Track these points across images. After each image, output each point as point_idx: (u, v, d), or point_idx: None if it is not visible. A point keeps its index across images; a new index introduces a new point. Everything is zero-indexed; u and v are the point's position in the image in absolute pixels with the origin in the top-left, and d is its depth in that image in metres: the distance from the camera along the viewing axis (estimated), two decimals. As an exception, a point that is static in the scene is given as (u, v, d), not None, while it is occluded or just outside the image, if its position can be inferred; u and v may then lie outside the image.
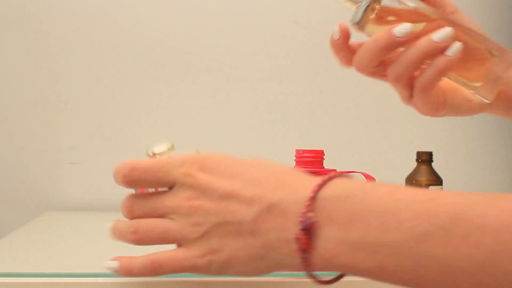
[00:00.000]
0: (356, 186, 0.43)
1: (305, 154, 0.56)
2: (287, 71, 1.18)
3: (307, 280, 0.55)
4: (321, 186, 0.43)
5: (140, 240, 0.49)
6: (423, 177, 0.96)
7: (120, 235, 0.51)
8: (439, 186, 0.96)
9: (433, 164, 0.97)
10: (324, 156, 0.57)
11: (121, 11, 1.15)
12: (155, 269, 0.48)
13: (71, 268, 0.61)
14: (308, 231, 0.42)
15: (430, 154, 0.96)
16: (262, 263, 0.46)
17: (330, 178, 0.44)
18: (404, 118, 1.17)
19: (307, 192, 0.43)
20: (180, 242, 0.48)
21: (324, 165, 0.59)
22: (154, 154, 0.55)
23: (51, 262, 0.65)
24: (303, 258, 0.43)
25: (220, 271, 0.48)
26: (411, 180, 0.97)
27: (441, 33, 0.53)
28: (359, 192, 0.42)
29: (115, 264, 0.50)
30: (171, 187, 0.49)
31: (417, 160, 0.97)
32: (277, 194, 0.44)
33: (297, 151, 0.57)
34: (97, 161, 1.14)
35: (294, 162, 0.57)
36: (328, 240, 0.42)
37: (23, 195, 1.13)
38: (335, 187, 0.43)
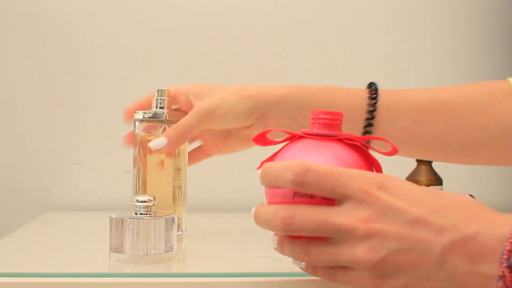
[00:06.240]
0: None
1: (322, 115, 0.52)
2: (287, 71, 1.18)
3: (308, 280, 0.55)
4: None
5: (311, 263, 0.48)
6: (423, 177, 0.96)
7: (291, 254, 0.49)
8: (439, 186, 0.96)
9: (433, 164, 0.97)
10: (343, 120, 0.53)
11: (121, 11, 1.15)
12: (329, 278, 0.48)
13: (71, 268, 0.61)
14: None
15: (430, 154, 0.96)
16: None
17: None
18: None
19: (506, 229, 0.41)
20: (352, 267, 0.46)
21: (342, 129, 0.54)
22: None
23: (51, 262, 0.65)
24: None
25: None
26: (411, 180, 0.97)
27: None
28: None
29: (302, 264, 0.49)
30: (340, 201, 0.46)
31: (417, 160, 0.97)
32: (471, 226, 0.43)
33: (313, 111, 0.53)
34: (97, 161, 1.14)
35: (310, 123, 0.53)
36: None
37: (23, 195, 1.13)
38: None
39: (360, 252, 0.44)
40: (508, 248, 0.41)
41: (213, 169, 1.16)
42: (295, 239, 0.48)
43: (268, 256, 0.65)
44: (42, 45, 1.14)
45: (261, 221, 0.48)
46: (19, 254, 0.70)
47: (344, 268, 0.46)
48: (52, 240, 0.80)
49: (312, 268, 0.49)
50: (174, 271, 0.63)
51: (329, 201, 0.47)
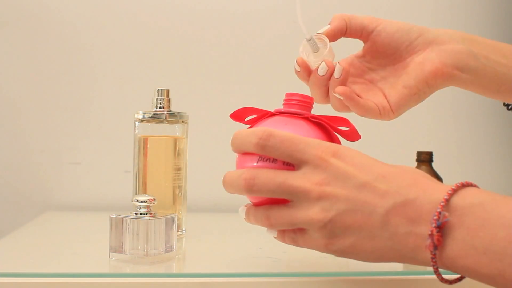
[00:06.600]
0: (488, 196, 0.45)
1: (294, 97, 0.58)
2: (287, 71, 1.18)
3: (308, 280, 0.55)
4: (454, 191, 0.45)
5: (272, 226, 0.52)
6: (423, 177, 0.96)
7: (255, 221, 0.53)
8: (439, 186, 0.96)
9: (433, 164, 0.97)
10: (313, 105, 0.58)
11: (121, 12, 1.15)
12: (293, 243, 0.52)
13: (71, 268, 0.61)
14: (441, 229, 0.44)
15: (430, 154, 0.96)
16: (386, 254, 0.48)
17: (463, 186, 0.46)
18: (404, 118, 1.17)
19: (442, 195, 0.45)
20: (307, 228, 0.50)
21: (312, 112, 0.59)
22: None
23: (51, 262, 0.65)
24: (433, 254, 0.45)
25: (342, 255, 0.50)
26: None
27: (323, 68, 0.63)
28: (490, 202, 0.44)
29: (274, 233, 0.53)
30: (298, 166, 0.50)
31: (417, 160, 0.97)
32: (412, 192, 0.46)
33: (287, 94, 0.58)
34: (97, 161, 1.14)
35: (282, 104, 0.58)
36: (456, 241, 0.44)
37: (23, 195, 1.13)
38: (467, 193, 0.45)
39: (312, 212, 0.48)
40: (438, 210, 0.44)
41: (213, 169, 1.16)
42: (259, 207, 0.52)
43: (268, 256, 0.65)
44: (43, 46, 1.14)
45: (227, 184, 0.53)
46: (19, 254, 0.70)
47: (302, 231, 0.51)
48: (52, 240, 0.80)
49: (281, 236, 0.53)
50: (174, 271, 0.63)
51: (289, 166, 0.51)
